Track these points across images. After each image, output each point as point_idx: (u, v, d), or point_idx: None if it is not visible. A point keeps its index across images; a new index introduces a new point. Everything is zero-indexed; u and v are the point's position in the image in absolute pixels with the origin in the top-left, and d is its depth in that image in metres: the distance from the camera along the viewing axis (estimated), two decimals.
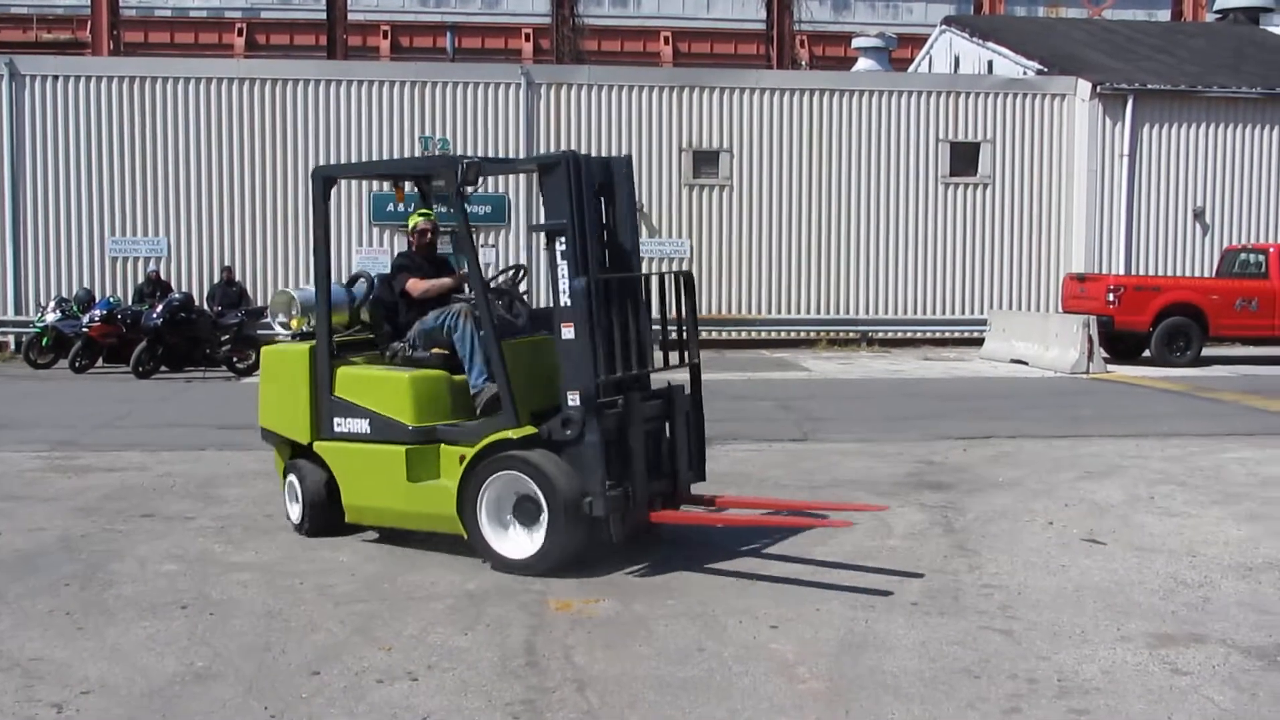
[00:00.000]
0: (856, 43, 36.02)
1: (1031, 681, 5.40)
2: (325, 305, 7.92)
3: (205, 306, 21.40)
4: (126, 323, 19.41)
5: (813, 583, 7.02)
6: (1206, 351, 21.23)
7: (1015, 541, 7.97)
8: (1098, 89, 25.37)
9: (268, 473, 10.47)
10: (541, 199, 7.37)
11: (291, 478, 8.17)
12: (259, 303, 22.96)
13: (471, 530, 7.30)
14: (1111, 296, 20.75)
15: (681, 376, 7.93)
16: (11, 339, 23.18)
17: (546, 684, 5.42)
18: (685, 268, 24.73)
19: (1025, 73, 27.24)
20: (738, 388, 17.58)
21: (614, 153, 24.60)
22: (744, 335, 25.16)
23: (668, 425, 7.71)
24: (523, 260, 23.72)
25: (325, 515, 8.02)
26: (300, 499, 8.10)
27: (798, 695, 5.29)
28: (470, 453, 7.30)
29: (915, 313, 25.62)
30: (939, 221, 25.64)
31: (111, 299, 21.11)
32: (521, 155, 24.33)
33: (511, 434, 7.22)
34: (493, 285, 8.16)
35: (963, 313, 25.59)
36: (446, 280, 8.21)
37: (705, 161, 25.28)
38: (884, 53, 34.91)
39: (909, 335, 25.62)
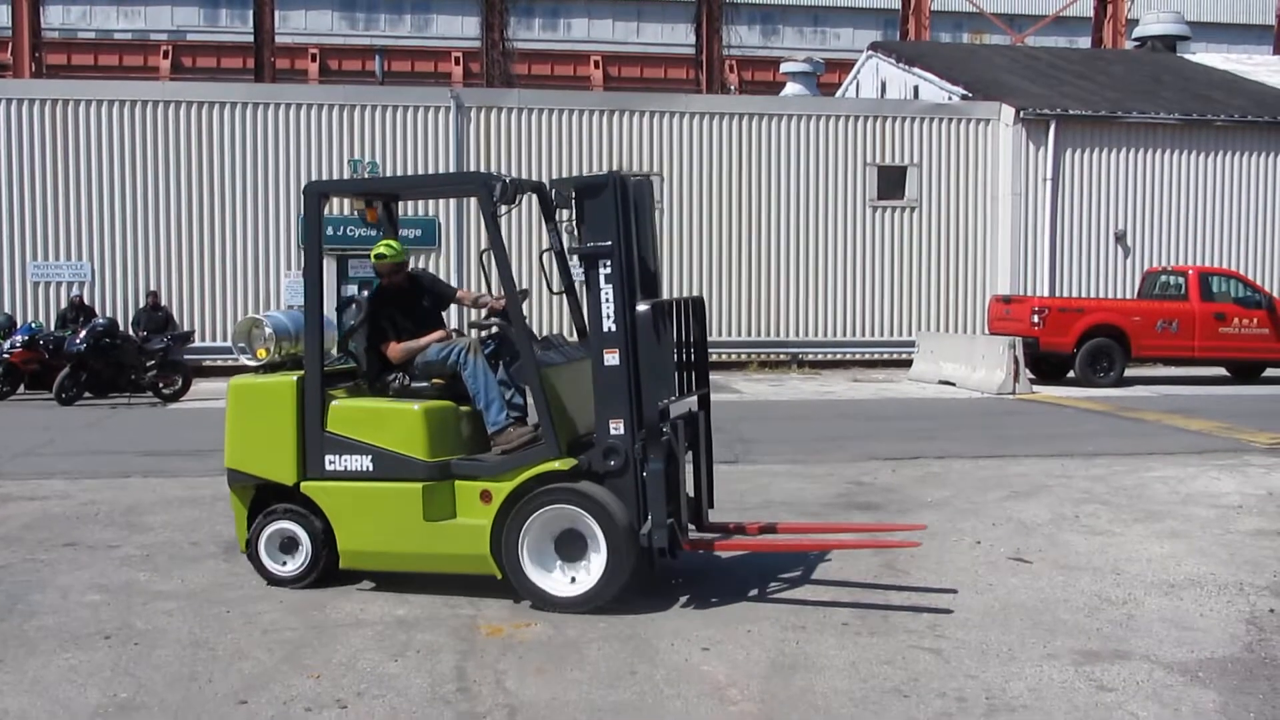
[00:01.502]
0: (785, 67, 36.35)
1: (960, 700, 5.45)
2: (318, 332, 7.24)
3: (130, 332, 21.06)
4: (49, 349, 19.03)
5: (744, 603, 7.04)
6: (1129, 372, 21.64)
7: (943, 561, 8.05)
8: (1021, 114, 25.83)
9: (194, 499, 10.34)
10: (581, 219, 6.94)
11: (283, 524, 7.37)
12: (185, 328, 22.69)
13: (512, 570, 6.90)
14: (1036, 318, 21.09)
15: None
16: None
17: (477, 709, 5.38)
18: None
19: (950, 98, 27.67)
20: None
21: (545, 177, 24.64)
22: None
23: (690, 452, 7.46)
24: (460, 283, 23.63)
25: (327, 563, 7.34)
26: (306, 547, 7.35)
27: (729, 717, 5.30)
28: (505, 487, 6.91)
29: (845, 335, 25.85)
30: (867, 244, 25.93)
31: (33, 324, 20.70)
32: None
33: (558, 465, 6.86)
34: (492, 316, 7.63)
35: (891, 335, 25.88)
36: (433, 336, 7.57)
37: None
38: (811, 78, 35.26)
39: (839, 357, 25.83)
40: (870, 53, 33.88)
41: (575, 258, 7.08)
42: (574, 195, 7.01)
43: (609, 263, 6.80)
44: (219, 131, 24.05)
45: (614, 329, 6.81)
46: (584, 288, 7.03)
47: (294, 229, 24.00)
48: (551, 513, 6.85)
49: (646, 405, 6.82)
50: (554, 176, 24.79)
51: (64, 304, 22.59)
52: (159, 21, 49.19)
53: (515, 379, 7.41)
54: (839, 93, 35.86)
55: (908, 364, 23.82)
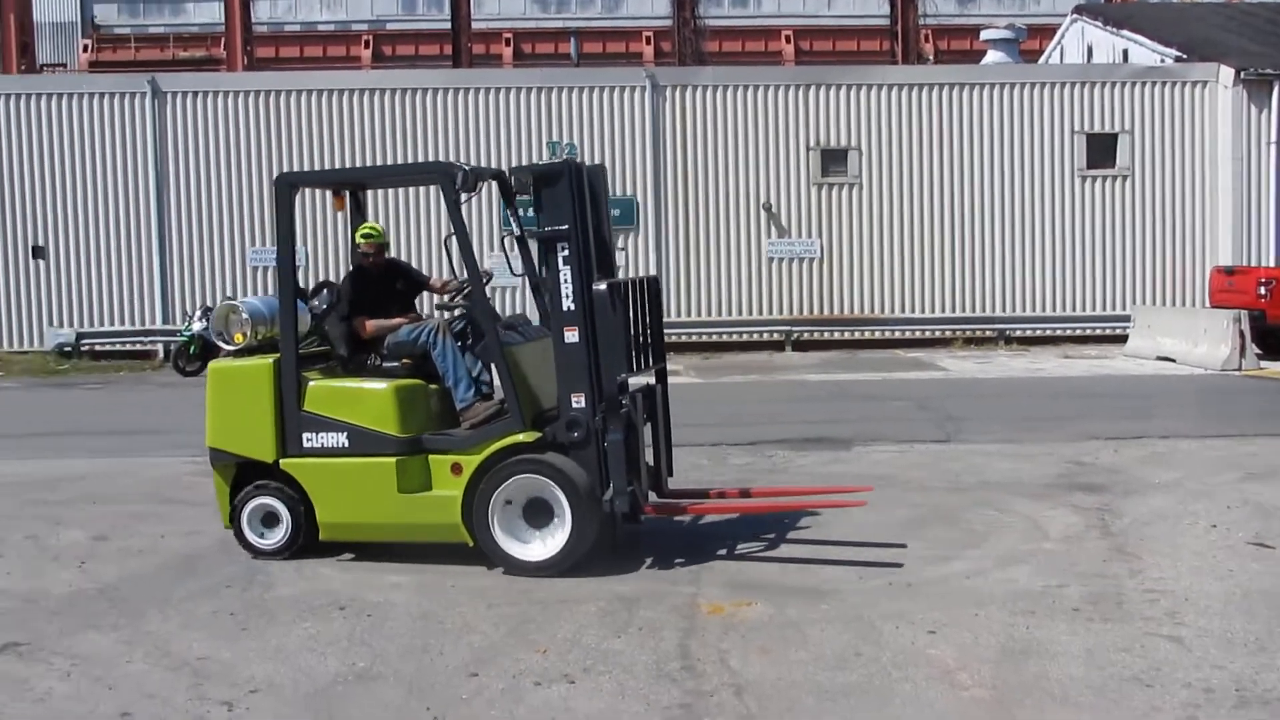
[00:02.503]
0: (985, 35, 35.26)
1: (1207, 691, 5.20)
2: (291, 316, 7.61)
3: None
4: None
5: (968, 586, 6.87)
6: None
7: (1177, 545, 7.70)
8: (1241, 75, 24.48)
9: None
10: (539, 206, 7.31)
11: (265, 499, 7.75)
12: None
13: (483, 536, 7.32)
14: (1263, 290, 20.01)
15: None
16: (160, 347, 23.88)
17: (703, 688, 5.37)
18: (816, 268, 24.61)
19: (1162, 60, 26.43)
20: (873, 388, 17.37)
21: (741, 154, 24.59)
22: (876, 335, 24.82)
23: (649, 425, 7.89)
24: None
25: (307, 535, 7.73)
26: (286, 521, 7.74)
27: (961, 702, 5.17)
28: (474, 460, 7.33)
29: (1054, 309, 24.98)
30: (1077, 215, 24.99)
31: None
32: (649, 159, 24.44)
33: (524, 438, 7.29)
34: (461, 297, 8.07)
35: (1104, 309, 24.89)
36: (399, 320, 7.97)
37: (833, 160, 25.02)
38: (1013, 44, 34.11)
39: (1048, 333, 24.94)
40: (1075, 16, 32.62)
41: (535, 241, 7.47)
42: (532, 183, 7.36)
43: (566, 245, 7.20)
44: (420, 117, 24.66)
45: (573, 307, 7.22)
46: (544, 270, 7.43)
47: (496, 211, 24.45)
48: (519, 482, 7.27)
49: (605, 379, 7.23)
50: (745, 154, 24.70)
51: None
52: (359, 12, 50.69)
53: (481, 357, 7.78)
54: (1042, 59, 34.66)
55: (1122, 339, 22.86)
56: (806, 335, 24.50)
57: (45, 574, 7.59)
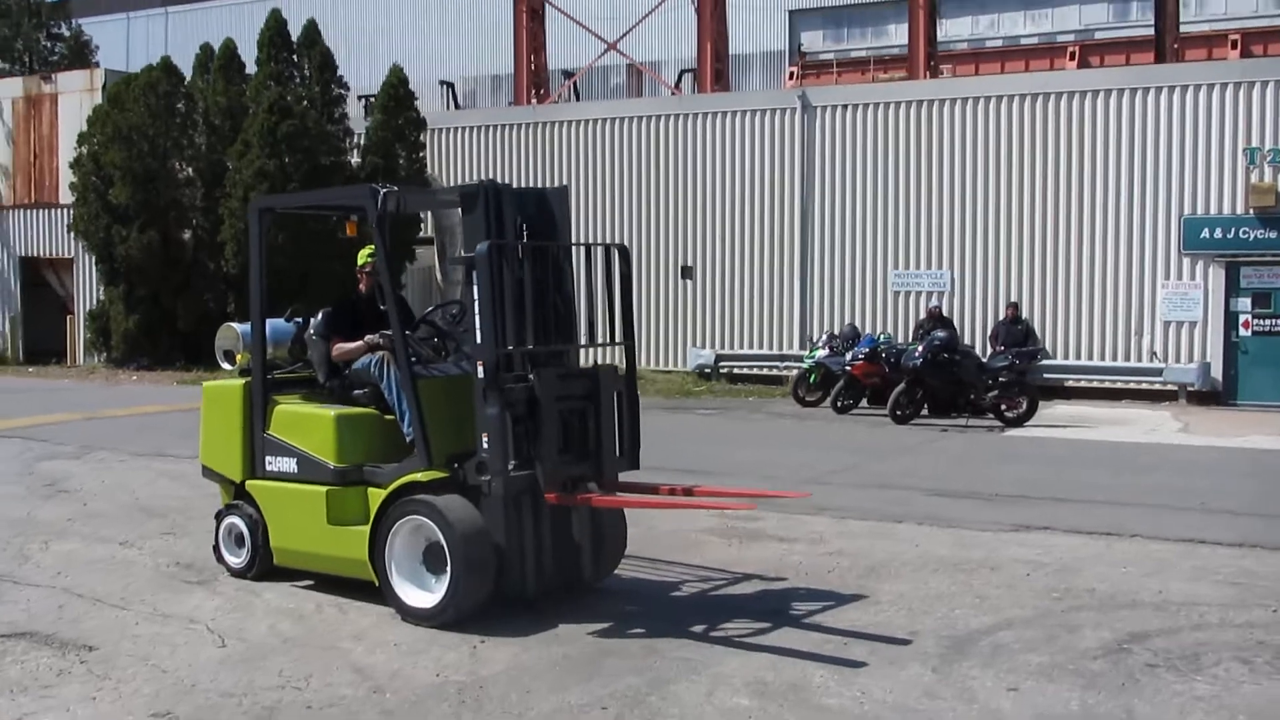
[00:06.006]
0: None
1: None
2: (260, 339, 7.67)
3: (987, 345, 19.45)
4: (890, 362, 18.02)
5: None
6: None
7: None
8: None
9: (955, 563, 8.34)
10: (462, 230, 7.12)
11: (233, 519, 7.83)
12: (1047, 341, 20.69)
13: (381, 578, 6.93)
14: None
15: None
16: (795, 372, 22.84)
17: None
18: None
19: None
20: None
21: None
22: None
23: (594, 408, 7.09)
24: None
25: (263, 560, 7.67)
26: (246, 542, 7.75)
27: None
28: (383, 495, 6.95)
29: None
30: None
31: (880, 336, 19.84)
32: None
33: (420, 476, 6.87)
34: (426, 320, 8.01)
35: None
36: (360, 344, 7.60)
37: None
38: None
39: None
40: None
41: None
42: (459, 206, 7.08)
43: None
44: (1089, 124, 21.52)
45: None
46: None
47: (1173, 230, 20.80)
48: (411, 523, 6.80)
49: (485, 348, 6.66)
50: None
51: (922, 314, 21.54)
52: (1066, 23, 47.49)
53: (400, 390, 7.28)
54: None
55: None
56: None
57: (432, 650, 6.30)
